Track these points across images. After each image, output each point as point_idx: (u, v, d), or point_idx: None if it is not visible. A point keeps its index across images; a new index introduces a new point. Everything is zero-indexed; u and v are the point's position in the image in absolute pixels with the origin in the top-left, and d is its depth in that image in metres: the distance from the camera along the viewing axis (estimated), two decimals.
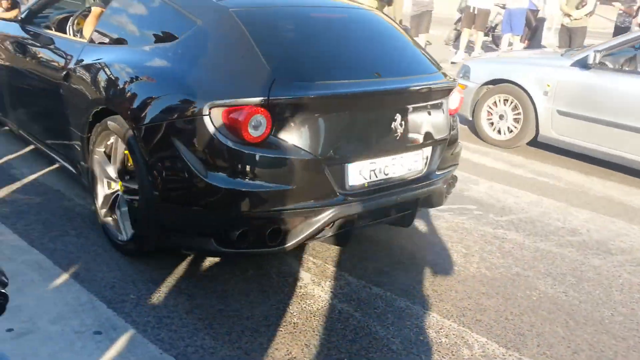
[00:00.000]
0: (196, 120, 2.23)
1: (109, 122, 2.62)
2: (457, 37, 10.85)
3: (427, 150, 2.73)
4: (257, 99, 2.18)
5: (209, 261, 2.73)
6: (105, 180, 2.81)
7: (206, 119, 2.20)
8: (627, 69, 4.83)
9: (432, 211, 3.53)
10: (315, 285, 2.61)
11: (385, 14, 3.45)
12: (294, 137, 2.26)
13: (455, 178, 3.12)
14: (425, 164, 2.74)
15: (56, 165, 3.66)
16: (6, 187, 3.41)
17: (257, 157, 2.21)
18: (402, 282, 2.71)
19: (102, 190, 2.82)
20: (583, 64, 4.75)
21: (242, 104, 2.18)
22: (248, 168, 2.22)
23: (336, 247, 2.95)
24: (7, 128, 4.18)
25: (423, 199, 2.75)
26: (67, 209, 3.17)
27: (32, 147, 3.93)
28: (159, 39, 2.68)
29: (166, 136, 2.32)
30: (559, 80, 4.85)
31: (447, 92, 2.84)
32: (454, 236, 3.29)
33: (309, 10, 2.85)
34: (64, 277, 2.49)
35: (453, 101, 2.93)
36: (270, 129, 2.22)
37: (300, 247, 2.84)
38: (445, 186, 2.89)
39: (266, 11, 2.71)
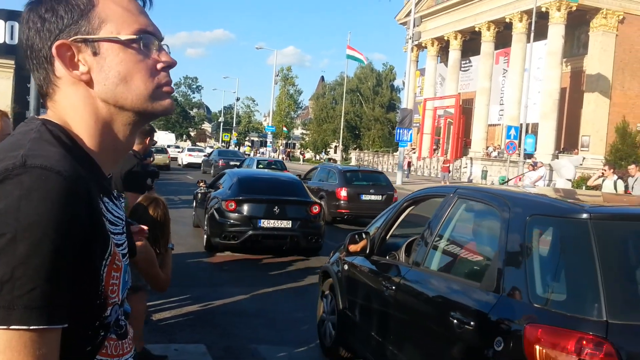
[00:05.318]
0: (220, 204, 8.69)
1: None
2: None
3: (293, 221, 8.51)
4: (232, 198, 8.63)
5: None
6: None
7: (222, 204, 8.60)
8: None
9: None
10: None
11: (298, 176, 11.90)
12: (242, 209, 8.54)
13: (318, 240, 8.74)
14: (292, 225, 8.52)
15: None
16: None
17: (231, 215, 8.50)
18: None
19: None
20: None
21: (227, 200, 8.66)
22: (229, 216, 8.51)
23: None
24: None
25: (292, 240, 8.59)
26: None
27: None
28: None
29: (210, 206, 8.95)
30: None
31: (309, 205, 8.76)
32: None
33: (266, 174, 11.69)
34: None
35: (314, 208, 8.73)
36: (236, 206, 8.50)
37: None
38: (303, 237, 8.55)
39: (251, 175, 10.52)
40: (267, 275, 7.51)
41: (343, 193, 12.83)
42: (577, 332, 2.08)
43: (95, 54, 0.88)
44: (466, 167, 32.16)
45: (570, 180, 22.93)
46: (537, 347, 2.14)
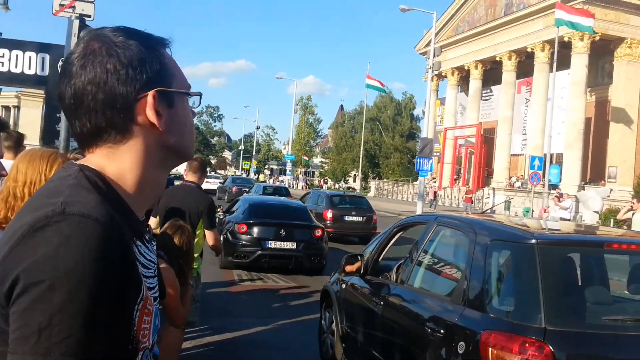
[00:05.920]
0: (233, 227, 9.87)
1: None
2: None
3: (298, 242, 9.58)
4: (244, 222, 9.77)
5: None
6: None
7: (235, 227, 9.84)
8: None
9: None
10: None
11: (300, 201, 14.22)
12: (252, 231, 9.63)
13: (320, 261, 9.71)
14: (297, 246, 9.58)
15: None
16: None
17: (242, 237, 9.60)
18: None
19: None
20: None
21: (240, 223, 9.84)
22: (241, 238, 9.61)
23: None
24: None
25: (296, 260, 9.56)
26: None
27: None
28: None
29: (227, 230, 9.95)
30: None
31: (313, 229, 9.92)
32: None
33: (275, 201, 12.29)
34: None
35: (317, 232, 9.89)
36: (247, 229, 9.63)
37: None
38: (306, 257, 9.56)
39: (262, 201, 11.82)
40: (286, 306, 7.41)
41: (329, 214, 14.85)
42: (521, 337, 2.51)
43: (170, 105, 0.94)
44: (488, 197, 31.74)
45: (597, 212, 22.37)
46: (490, 349, 2.57)
